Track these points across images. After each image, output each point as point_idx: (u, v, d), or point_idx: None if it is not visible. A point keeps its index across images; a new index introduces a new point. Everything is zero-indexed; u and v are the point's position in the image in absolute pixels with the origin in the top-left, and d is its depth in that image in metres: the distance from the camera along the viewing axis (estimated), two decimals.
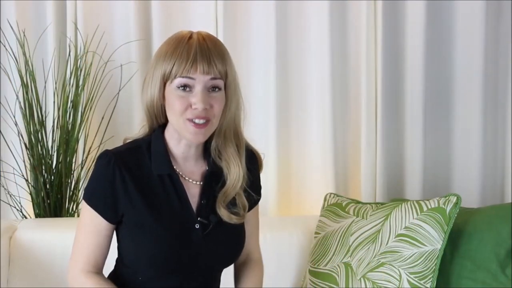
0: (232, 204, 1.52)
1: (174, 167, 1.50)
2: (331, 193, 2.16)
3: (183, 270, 1.48)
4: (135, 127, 1.77)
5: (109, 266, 1.56)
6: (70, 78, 2.37)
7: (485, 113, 2.44)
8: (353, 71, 2.48)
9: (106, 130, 2.43)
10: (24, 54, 2.35)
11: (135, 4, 2.44)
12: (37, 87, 2.35)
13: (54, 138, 2.37)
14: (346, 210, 2.04)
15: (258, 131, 2.43)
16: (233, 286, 1.66)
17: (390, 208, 1.94)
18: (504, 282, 1.84)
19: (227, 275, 1.64)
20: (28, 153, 2.35)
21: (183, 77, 1.40)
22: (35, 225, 2.20)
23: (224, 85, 1.44)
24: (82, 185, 2.42)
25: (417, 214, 1.85)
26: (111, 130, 2.44)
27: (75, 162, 2.39)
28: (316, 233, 2.06)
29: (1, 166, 2.46)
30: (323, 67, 2.44)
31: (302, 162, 2.52)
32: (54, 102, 2.39)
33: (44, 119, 2.37)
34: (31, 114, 2.33)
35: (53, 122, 2.38)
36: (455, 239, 1.90)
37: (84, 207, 1.49)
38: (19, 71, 2.34)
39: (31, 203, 2.40)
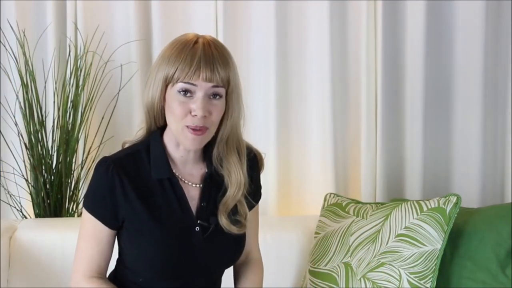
0: (233, 213, 1.51)
1: (173, 170, 1.50)
2: (331, 193, 2.16)
3: (183, 272, 1.48)
4: (135, 127, 1.77)
5: (110, 266, 1.56)
6: (70, 78, 2.37)
7: (485, 113, 2.44)
8: (353, 71, 2.48)
9: (106, 130, 2.43)
10: (24, 54, 2.35)
11: (135, 4, 2.44)
12: (37, 87, 2.35)
13: (54, 138, 2.37)
14: (346, 210, 2.04)
15: (258, 131, 2.44)
16: (232, 286, 1.66)
17: (390, 208, 1.94)
18: (504, 282, 1.84)
19: (227, 275, 1.64)
20: (28, 153, 2.35)
21: (185, 82, 1.40)
22: (35, 225, 2.20)
23: (225, 92, 1.44)
24: (82, 185, 2.42)
25: (417, 214, 1.85)
26: (111, 130, 2.44)
27: (75, 162, 2.39)
28: (316, 233, 2.06)
29: (1, 166, 2.46)
30: (323, 67, 2.44)
31: (302, 162, 2.52)
32: (54, 102, 2.39)
33: (44, 119, 2.37)
34: (31, 114, 2.33)
35: (53, 122, 2.38)
36: (455, 239, 1.90)
37: (85, 215, 1.49)
38: (19, 71, 2.34)
39: (31, 203, 2.40)
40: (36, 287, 2.06)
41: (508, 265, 1.87)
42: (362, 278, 1.85)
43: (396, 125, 2.49)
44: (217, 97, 1.42)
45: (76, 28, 2.43)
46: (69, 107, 2.35)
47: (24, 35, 2.37)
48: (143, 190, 1.47)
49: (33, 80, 2.34)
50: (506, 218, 1.92)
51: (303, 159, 2.52)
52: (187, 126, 1.41)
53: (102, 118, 2.42)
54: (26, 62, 2.34)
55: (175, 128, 1.43)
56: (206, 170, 1.53)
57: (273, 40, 2.43)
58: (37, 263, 2.08)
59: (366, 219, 1.96)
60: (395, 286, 1.80)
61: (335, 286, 1.90)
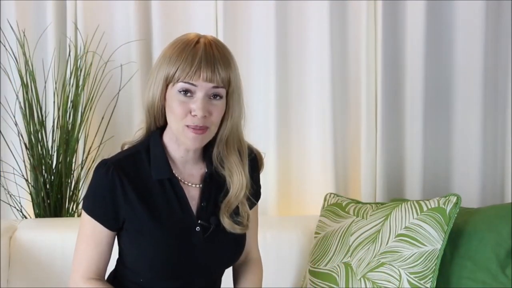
0: (235, 213, 1.52)
1: (173, 171, 1.50)
2: (331, 193, 2.16)
3: (184, 272, 1.48)
4: (135, 127, 1.77)
5: (110, 266, 1.56)
6: (70, 78, 2.37)
7: (485, 113, 2.44)
8: (353, 71, 2.48)
9: (106, 130, 2.43)
10: (24, 54, 2.35)
11: (135, 4, 2.44)
12: (37, 87, 2.35)
13: (54, 138, 2.37)
14: (346, 210, 2.04)
15: (258, 131, 2.44)
16: (232, 286, 1.66)
17: (390, 208, 1.94)
18: (504, 282, 1.84)
19: (227, 275, 1.64)
20: (28, 153, 2.35)
21: (185, 82, 1.40)
22: (35, 225, 2.20)
23: (226, 92, 1.44)
24: (82, 185, 2.42)
25: (417, 214, 1.85)
26: (111, 130, 2.44)
27: (75, 162, 2.39)
28: (316, 233, 2.06)
29: (1, 166, 2.46)
30: (323, 67, 2.44)
31: (302, 162, 2.52)
32: (54, 102, 2.39)
33: (44, 119, 2.37)
34: (31, 114, 2.33)
35: (53, 122, 2.38)
36: (455, 239, 1.90)
37: (84, 217, 1.49)
38: (19, 71, 2.34)
39: (31, 203, 2.40)
40: (36, 287, 2.06)
41: (508, 265, 1.87)
42: (362, 278, 1.85)
43: (396, 125, 2.49)
44: (218, 97, 1.43)
45: (76, 28, 2.43)
46: (69, 107, 2.35)
47: (24, 35, 2.37)
48: (143, 191, 1.47)
49: (33, 80, 2.34)
50: (506, 218, 1.92)
51: (303, 159, 2.52)
52: (188, 126, 1.41)
53: (102, 118, 2.42)
54: (26, 62, 2.34)
55: (176, 127, 1.43)
56: (206, 170, 1.53)
57: (273, 40, 2.43)
58: (37, 263, 2.08)
59: (366, 219, 1.96)
60: (395, 286, 1.80)
61: (335, 286, 1.90)
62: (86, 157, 2.42)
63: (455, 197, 1.84)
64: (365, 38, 2.42)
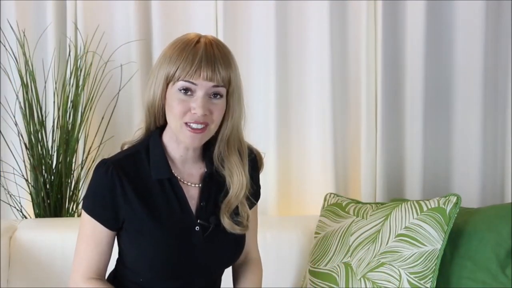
0: (235, 214, 1.52)
1: (173, 170, 1.50)
2: (331, 193, 2.16)
3: (184, 272, 1.48)
4: (135, 127, 1.77)
5: (110, 266, 1.56)
6: (70, 78, 2.37)
7: (485, 113, 2.44)
8: (353, 71, 2.48)
9: (106, 130, 2.43)
10: (24, 54, 2.35)
11: (135, 4, 2.44)
12: (37, 87, 2.35)
13: (54, 138, 2.37)
14: (346, 210, 2.04)
15: (258, 131, 2.44)
16: (232, 286, 1.66)
17: (390, 208, 1.94)
18: (504, 282, 1.84)
19: (227, 275, 1.64)
20: (28, 153, 2.35)
21: (185, 81, 1.40)
22: (35, 225, 2.20)
23: (226, 92, 1.44)
24: (82, 185, 2.42)
25: (417, 214, 1.85)
26: (111, 130, 2.44)
27: (75, 162, 2.39)
28: (316, 233, 2.06)
29: (1, 166, 2.46)
30: (323, 67, 2.44)
31: (302, 162, 2.52)
32: (54, 102, 2.39)
33: (44, 119, 2.37)
34: (31, 114, 2.33)
35: (53, 122, 2.38)
36: (455, 239, 1.90)
37: (84, 217, 1.49)
38: (19, 71, 2.34)
39: (31, 203, 2.40)
40: (36, 287, 2.06)
41: (508, 265, 1.87)
42: (362, 278, 1.85)
43: (396, 125, 2.49)
44: (218, 96, 1.43)
45: (76, 28, 2.43)
46: (69, 107, 2.35)
47: (24, 35, 2.37)
48: (143, 191, 1.47)
49: (33, 80, 2.34)
50: (506, 218, 1.92)
51: (303, 159, 2.52)
52: (186, 123, 1.41)
53: (102, 118, 2.42)
54: (26, 62, 2.34)
55: (174, 125, 1.44)
56: (206, 170, 1.53)
57: (273, 40, 2.43)
58: (37, 263, 2.08)
59: (366, 219, 1.96)
60: (395, 286, 1.80)
61: (335, 286, 1.90)
62: (86, 157, 2.42)
63: (455, 197, 1.84)
64: (365, 38, 2.42)
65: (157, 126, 1.52)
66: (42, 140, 2.35)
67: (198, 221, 1.49)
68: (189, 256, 1.47)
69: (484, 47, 2.41)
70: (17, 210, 2.42)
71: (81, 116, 2.37)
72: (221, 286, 1.61)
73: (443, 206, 1.84)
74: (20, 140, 2.38)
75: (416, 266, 1.80)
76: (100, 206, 1.46)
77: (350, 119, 2.51)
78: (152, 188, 1.48)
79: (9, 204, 2.44)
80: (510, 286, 1.84)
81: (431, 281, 1.80)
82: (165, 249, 1.45)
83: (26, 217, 2.43)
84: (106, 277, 1.55)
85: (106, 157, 1.54)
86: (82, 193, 2.40)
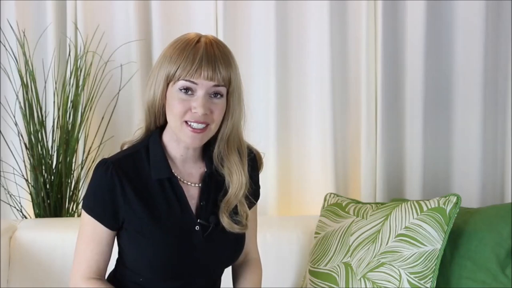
0: (234, 213, 1.52)
1: (173, 170, 1.50)
2: (331, 193, 2.16)
3: (184, 272, 1.48)
4: (135, 127, 1.77)
5: (109, 266, 1.56)
6: (70, 78, 2.37)
7: (485, 113, 2.44)
8: (353, 71, 2.48)
9: (106, 130, 2.43)
10: (24, 54, 2.35)
11: (135, 4, 2.44)
12: (37, 87, 2.35)
13: (54, 138, 2.37)
14: (346, 210, 2.04)
15: (258, 131, 2.43)
16: (232, 286, 1.66)
17: (390, 208, 1.94)
18: (504, 282, 1.84)
19: (227, 275, 1.64)
20: (28, 153, 2.35)
21: (186, 80, 1.40)
22: (35, 225, 2.20)
23: (227, 92, 1.44)
24: (82, 185, 2.42)
25: (417, 214, 1.85)
26: (111, 130, 2.44)
27: (75, 162, 2.39)
28: (316, 233, 2.06)
29: (1, 166, 2.46)
30: (323, 67, 2.44)
31: (302, 162, 2.52)
32: (54, 102, 2.39)
33: (44, 119, 2.37)
34: (31, 114, 2.33)
35: (53, 122, 2.38)
36: (455, 239, 1.90)
37: (84, 216, 1.49)
38: (19, 71, 2.34)
39: (31, 203, 2.40)
40: (36, 287, 2.06)
41: (508, 265, 1.87)
42: (362, 278, 1.85)
43: (396, 125, 2.49)
44: (218, 96, 1.43)
45: (76, 28, 2.43)
46: (69, 107, 2.35)
47: (24, 35, 2.37)
48: (143, 191, 1.47)
49: (33, 80, 2.34)
50: (506, 218, 1.92)
51: (303, 159, 2.52)
52: (186, 122, 1.41)
53: (102, 118, 2.42)
54: (26, 62, 2.34)
55: (175, 124, 1.44)
56: (205, 170, 1.53)
57: (273, 40, 2.43)
58: (37, 263, 2.08)
59: (366, 219, 1.96)
60: (395, 286, 1.80)
61: (335, 286, 1.90)
62: (86, 157, 2.42)
63: (455, 197, 1.84)
64: (365, 38, 2.42)
65: (157, 126, 1.52)
66: (42, 140, 2.35)
67: (198, 220, 1.49)
68: (189, 256, 1.47)
69: (484, 47, 2.41)
70: (17, 210, 2.42)
71: (81, 116, 2.37)
72: (221, 286, 1.61)
73: (443, 206, 1.84)
74: (20, 140, 2.38)
75: (416, 266, 1.80)
76: (100, 206, 1.46)
77: (350, 119, 2.51)
78: (152, 188, 1.48)
79: (9, 204, 2.44)
80: (510, 286, 1.84)
81: (431, 281, 1.80)
82: (165, 249, 1.45)
83: (26, 217, 2.43)
84: (106, 277, 1.55)
85: (106, 157, 1.54)
86: (82, 193, 2.41)
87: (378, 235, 1.88)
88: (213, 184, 1.53)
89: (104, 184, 1.45)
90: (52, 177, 2.36)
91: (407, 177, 2.48)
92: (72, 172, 2.38)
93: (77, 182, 2.40)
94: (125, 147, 1.56)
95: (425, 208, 1.86)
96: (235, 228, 1.50)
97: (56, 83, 2.41)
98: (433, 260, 1.80)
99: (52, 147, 2.37)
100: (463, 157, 2.49)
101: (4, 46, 2.41)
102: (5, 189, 2.43)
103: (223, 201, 1.51)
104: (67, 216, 2.38)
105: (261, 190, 1.65)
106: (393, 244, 1.84)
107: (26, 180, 2.39)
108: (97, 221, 1.47)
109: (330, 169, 2.46)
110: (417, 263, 1.80)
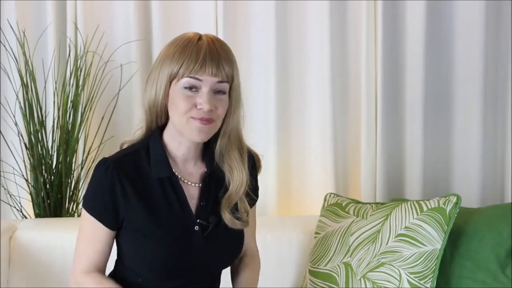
0: (235, 209, 1.52)
1: (173, 169, 1.50)
2: (331, 193, 2.16)
3: (184, 272, 1.48)
4: (135, 127, 1.76)
5: (109, 266, 1.56)
6: (70, 78, 2.37)
7: (485, 113, 2.44)
8: (353, 71, 2.48)
9: (106, 130, 2.43)
10: (24, 54, 2.35)
11: (135, 4, 2.44)
12: (37, 87, 2.35)
13: (54, 138, 2.37)
14: (346, 210, 2.04)
15: (258, 131, 2.43)
16: (231, 286, 1.66)
17: (390, 208, 1.94)
18: (504, 282, 1.84)
19: (227, 275, 1.64)
20: (28, 153, 2.35)
21: (191, 77, 1.40)
22: (35, 225, 2.20)
23: (229, 88, 1.45)
24: (82, 185, 2.42)
25: (417, 214, 1.85)
26: (111, 130, 2.44)
27: (75, 162, 2.39)
28: (316, 233, 2.06)
29: (1, 166, 2.46)
30: (323, 67, 2.44)
31: (302, 162, 2.52)
32: (54, 102, 2.39)
33: (44, 119, 2.37)
34: (31, 114, 2.33)
35: (53, 122, 2.38)
36: (455, 239, 1.90)
37: (84, 215, 1.49)
38: (19, 71, 2.34)
39: (31, 203, 2.40)
40: (36, 287, 2.06)
41: (508, 265, 1.87)
42: (362, 278, 1.85)
43: (396, 125, 2.49)
44: (221, 93, 1.43)
45: (76, 28, 2.43)
46: (69, 107, 2.35)
47: (24, 35, 2.37)
48: (143, 190, 1.47)
49: (33, 80, 2.34)
50: (506, 218, 1.92)
51: (303, 159, 2.52)
52: (193, 117, 1.41)
53: (102, 118, 2.42)
54: (26, 62, 2.34)
55: (179, 122, 1.43)
56: (206, 170, 1.53)
57: (273, 40, 2.43)
58: (37, 263, 2.08)
59: (366, 219, 1.96)
60: (395, 286, 1.80)
61: (335, 286, 1.90)
62: (86, 157, 2.42)
63: (455, 197, 1.84)
64: (365, 38, 2.42)
65: (158, 125, 1.52)
66: (42, 140, 2.35)
67: (198, 220, 1.49)
68: (189, 255, 1.47)
69: (484, 47, 2.41)
70: (17, 210, 2.42)
71: (81, 116, 2.37)
72: (221, 286, 1.61)
73: (443, 206, 1.84)
74: (20, 140, 2.38)
75: (416, 266, 1.80)
76: (100, 205, 1.46)
77: (350, 119, 2.51)
78: (152, 187, 1.48)
79: (9, 204, 2.44)
80: (510, 286, 1.84)
81: (431, 281, 1.80)
82: (164, 249, 1.45)
83: (26, 217, 2.43)
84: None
85: (106, 156, 1.54)
86: (82, 193, 2.41)
87: (378, 235, 1.88)
88: (213, 184, 1.53)
89: (104, 183, 1.45)
90: (52, 177, 2.36)
91: (407, 177, 2.48)
92: (72, 172, 2.38)
93: (77, 182, 2.40)
94: (125, 146, 1.56)
95: (425, 208, 1.86)
96: (237, 224, 1.50)
97: (56, 83, 2.41)
98: (433, 260, 1.80)
99: (52, 147, 2.37)
100: (463, 157, 2.49)
101: (4, 46, 2.41)
102: (5, 189, 2.43)
103: (224, 197, 1.51)
104: (67, 216, 2.38)
105: (261, 190, 1.65)
106: (393, 244, 1.84)
107: (26, 180, 2.39)
108: (97, 220, 1.47)
109: (330, 169, 2.46)
110: (417, 263, 1.80)
